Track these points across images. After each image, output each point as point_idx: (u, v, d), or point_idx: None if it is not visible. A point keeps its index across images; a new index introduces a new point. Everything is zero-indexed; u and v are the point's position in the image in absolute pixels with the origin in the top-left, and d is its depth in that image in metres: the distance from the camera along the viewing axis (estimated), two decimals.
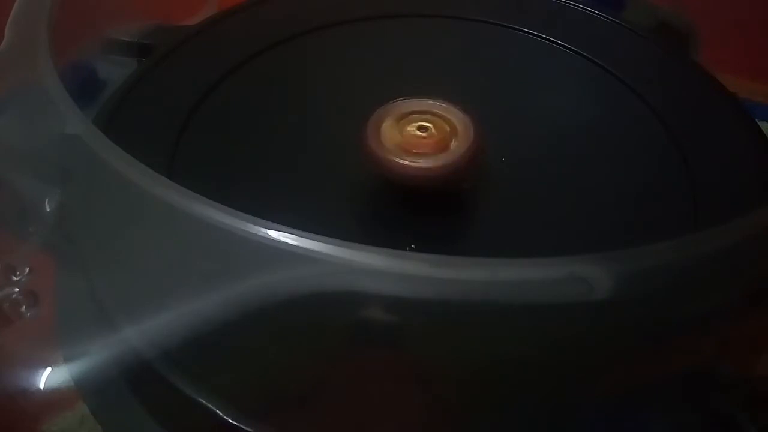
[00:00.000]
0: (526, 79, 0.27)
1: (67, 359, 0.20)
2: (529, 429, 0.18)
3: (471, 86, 0.26)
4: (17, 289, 0.21)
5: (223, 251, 0.16)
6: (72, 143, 0.18)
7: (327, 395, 0.19)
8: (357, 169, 0.22)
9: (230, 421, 0.18)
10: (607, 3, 0.29)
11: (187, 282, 0.17)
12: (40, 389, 0.20)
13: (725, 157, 0.24)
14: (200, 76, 0.26)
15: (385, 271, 0.15)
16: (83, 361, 0.19)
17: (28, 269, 0.21)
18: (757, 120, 0.25)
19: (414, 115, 0.22)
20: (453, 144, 0.21)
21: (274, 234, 0.15)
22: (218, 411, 0.19)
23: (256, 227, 0.15)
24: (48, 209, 0.20)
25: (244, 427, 0.18)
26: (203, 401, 0.19)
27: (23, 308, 0.21)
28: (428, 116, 0.22)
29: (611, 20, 0.29)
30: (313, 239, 0.15)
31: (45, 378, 0.20)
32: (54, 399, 0.21)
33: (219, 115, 0.25)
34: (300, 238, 0.15)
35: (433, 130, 0.22)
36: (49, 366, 0.20)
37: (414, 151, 0.21)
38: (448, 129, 0.22)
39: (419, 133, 0.22)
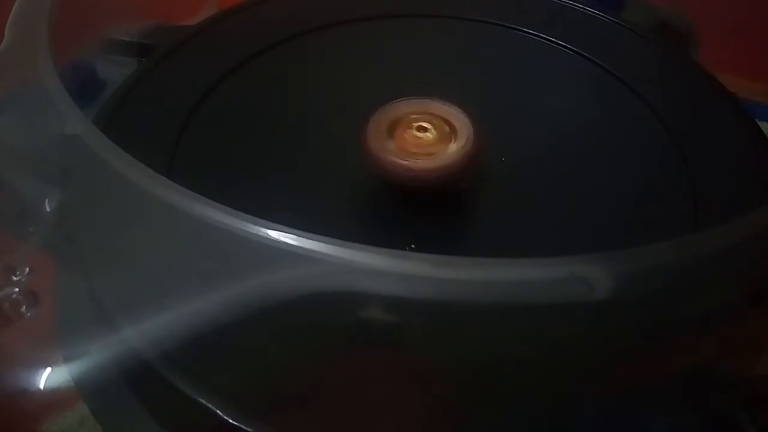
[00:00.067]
0: (526, 79, 0.27)
1: (67, 359, 0.20)
2: (529, 429, 0.18)
3: (471, 86, 0.26)
4: (17, 289, 0.21)
5: (223, 251, 0.16)
6: (72, 143, 0.18)
7: (327, 395, 0.19)
8: (357, 169, 0.22)
9: (230, 421, 0.18)
10: (607, 3, 0.29)
11: (187, 282, 0.17)
12: (40, 389, 0.20)
13: (725, 157, 0.24)
14: (200, 76, 0.26)
15: (385, 271, 0.15)
16: (83, 361, 0.19)
17: (28, 269, 0.21)
18: (757, 120, 0.25)
19: (414, 116, 0.22)
20: (453, 144, 0.21)
21: (274, 234, 0.15)
22: (218, 411, 0.19)
23: (256, 227, 0.15)
24: (48, 209, 0.20)
25: (244, 427, 0.18)
26: (203, 401, 0.19)
27: (23, 308, 0.21)
28: (428, 116, 0.22)
29: (611, 20, 0.29)
30: (313, 239, 0.15)
31: (45, 378, 0.20)
32: (54, 399, 0.21)
33: (219, 115, 0.25)
34: (300, 238, 0.15)
35: (433, 131, 0.22)
36: (49, 366, 0.20)
37: (414, 151, 0.21)
38: (447, 129, 0.22)
39: (419, 133, 0.22)
